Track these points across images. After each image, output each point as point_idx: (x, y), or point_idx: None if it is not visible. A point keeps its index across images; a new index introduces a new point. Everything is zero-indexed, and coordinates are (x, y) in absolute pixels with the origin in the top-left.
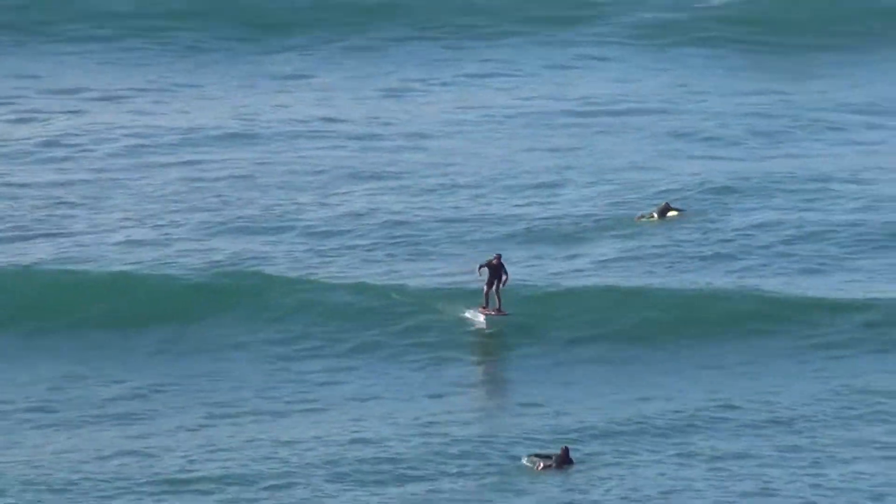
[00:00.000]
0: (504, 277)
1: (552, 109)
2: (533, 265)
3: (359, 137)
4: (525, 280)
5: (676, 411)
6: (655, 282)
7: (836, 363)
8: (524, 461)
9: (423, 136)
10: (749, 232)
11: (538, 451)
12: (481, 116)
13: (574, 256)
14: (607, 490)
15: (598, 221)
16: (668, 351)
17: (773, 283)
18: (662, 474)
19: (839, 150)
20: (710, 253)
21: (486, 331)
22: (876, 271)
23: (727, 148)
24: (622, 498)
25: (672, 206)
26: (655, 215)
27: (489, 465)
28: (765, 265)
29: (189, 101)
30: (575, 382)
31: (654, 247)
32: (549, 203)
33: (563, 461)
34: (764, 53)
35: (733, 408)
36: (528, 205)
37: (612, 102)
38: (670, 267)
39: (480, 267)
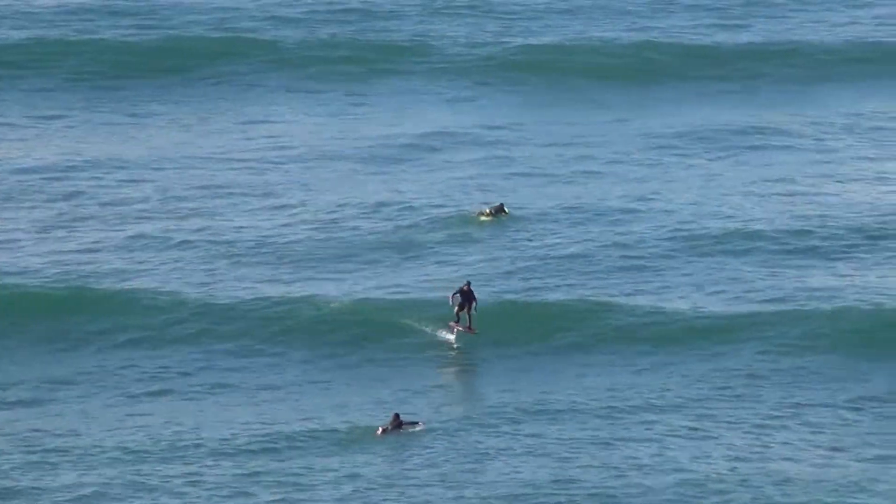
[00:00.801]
0: (473, 302)
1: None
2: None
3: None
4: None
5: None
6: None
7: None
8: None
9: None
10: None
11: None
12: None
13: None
14: (425, 448)
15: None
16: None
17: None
18: (480, 442)
19: (638, 175)
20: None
21: (455, 346)
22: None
23: (534, 176)
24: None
25: (505, 206)
26: (492, 212)
27: (341, 431)
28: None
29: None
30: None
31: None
32: (390, 218)
33: (396, 425)
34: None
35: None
36: (382, 220)
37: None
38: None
39: (453, 295)
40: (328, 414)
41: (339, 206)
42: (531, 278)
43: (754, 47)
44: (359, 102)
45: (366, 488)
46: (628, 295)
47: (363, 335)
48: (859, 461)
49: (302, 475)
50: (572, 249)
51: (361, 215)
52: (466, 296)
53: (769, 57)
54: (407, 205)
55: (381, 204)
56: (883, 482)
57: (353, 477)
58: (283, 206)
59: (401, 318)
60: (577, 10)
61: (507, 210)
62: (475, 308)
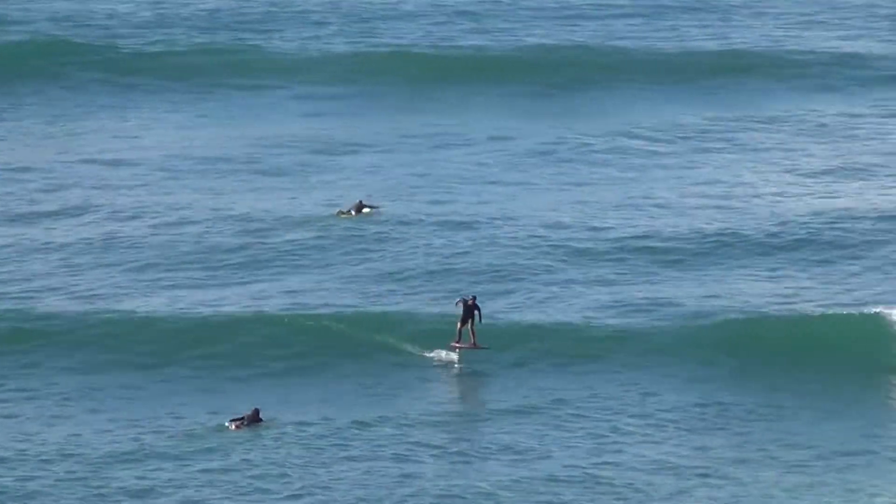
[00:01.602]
0: (478, 316)
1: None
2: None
3: None
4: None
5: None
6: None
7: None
8: (226, 423)
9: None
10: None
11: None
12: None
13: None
14: (276, 440)
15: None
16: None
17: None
18: (322, 437)
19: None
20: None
21: (457, 365)
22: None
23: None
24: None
25: (365, 203)
26: (353, 212)
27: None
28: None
29: None
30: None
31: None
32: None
33: (253, 420)
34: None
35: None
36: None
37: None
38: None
39: (457, 302)
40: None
41: (187, 212)
42: (379, 285)
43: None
44: (210, 109)
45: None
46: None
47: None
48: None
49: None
50: (421, 259)
51: (213, 222)
52: (469, 310)
53: (628, 66)
54: (264, 210)
55: (235, 208)
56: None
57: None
58: (133, 213)
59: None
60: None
61: (367, 208)
62: (479, 322)
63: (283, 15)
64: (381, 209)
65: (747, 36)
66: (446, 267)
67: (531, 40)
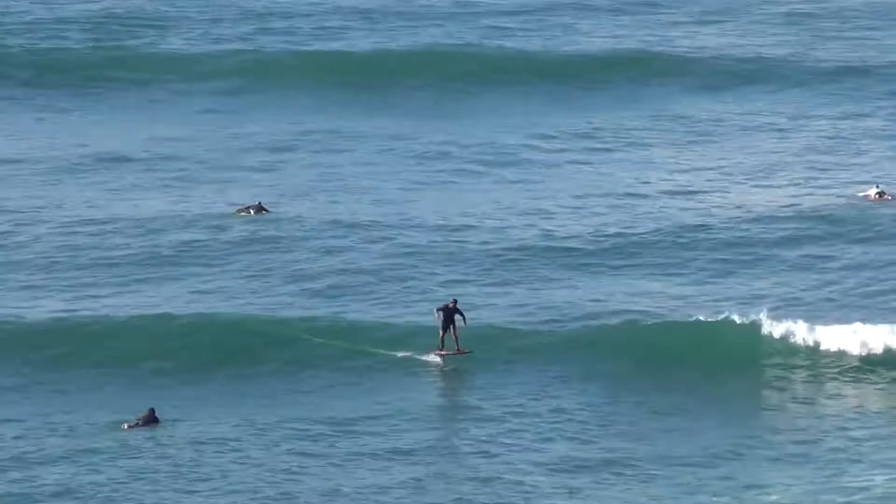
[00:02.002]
0: (461, 320)
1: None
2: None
3: None
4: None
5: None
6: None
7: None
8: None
9: None
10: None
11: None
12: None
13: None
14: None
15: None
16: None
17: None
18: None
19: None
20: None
21: (445, 368)
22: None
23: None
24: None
25: (264, 205)
26: (252, 211)
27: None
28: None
29: None
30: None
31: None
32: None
33: (149, 421)
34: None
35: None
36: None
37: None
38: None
39: (437, 310)
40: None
41: (83, 212)
42: (282, 285)
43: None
44: (104, 108)
45: None
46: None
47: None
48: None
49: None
50: (319, 260)
51: (110, 222)
52: (450, 314)
53: (523, 67)
54: (161, 209)
55: (132, 208)
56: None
57: None
58: (27, 214)
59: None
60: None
61: (266, 209)
62: (464, 324)
63: (178, 13)
64: (275, 210)
65: (641, 35)
66: (342, 267)
67: (428, 40)
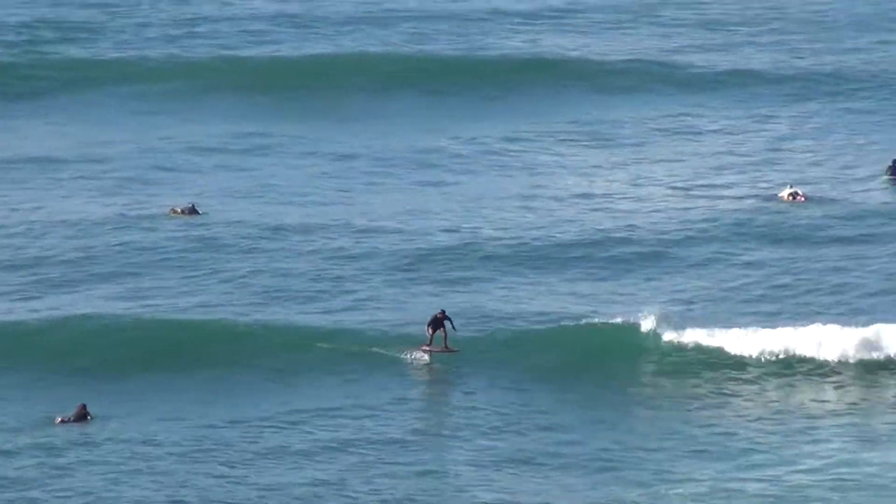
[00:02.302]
0: (450, 326)
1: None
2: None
3: None
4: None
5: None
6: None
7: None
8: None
9: None
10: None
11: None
12: None
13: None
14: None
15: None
16: None
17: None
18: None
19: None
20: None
21: (431, 364)
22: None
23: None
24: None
25: (197, 207)
26: (185, 212)
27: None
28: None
29: None
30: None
31: None
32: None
33: (80, 417)
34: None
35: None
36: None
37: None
38: None
39: (428, 325)
40: None
41: (18, 214)
42: (220, 284)
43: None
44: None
45: None
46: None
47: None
48: None
49: None
50: (249, 262)
51: (44, 225)
52: (439, 323)
53: (439, 72)
54: (95, 211)
55: (65, 210)
56: None
57: None
58: None
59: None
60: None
61: (199, 211)
62: (454, 330)
63: (108, 18)
64: (207, 212)
65: (554, 41)
66: (273, 270)
67: (351, 45)
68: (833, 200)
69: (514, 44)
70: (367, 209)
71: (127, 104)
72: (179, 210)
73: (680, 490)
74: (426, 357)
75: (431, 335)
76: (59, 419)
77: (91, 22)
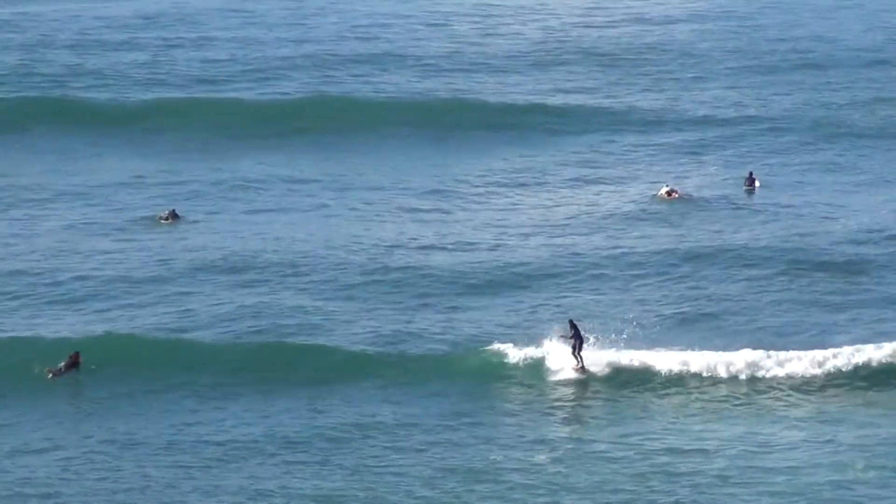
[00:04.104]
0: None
1: None
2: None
3: None
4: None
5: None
6: None
7: None
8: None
9: None
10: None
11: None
12: None
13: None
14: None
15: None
16: None
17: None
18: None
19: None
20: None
21: (581, 378)
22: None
23: None
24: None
25: (177, 211)
26: (168, 217)
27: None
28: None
29: None
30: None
31: None
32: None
33: (71, 366)
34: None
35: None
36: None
37: None
38: None
39: (567, 337)
40: None
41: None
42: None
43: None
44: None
45: None
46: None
47: None
48: None
49: None
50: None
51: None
52: (575, 334)
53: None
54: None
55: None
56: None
57: None
58: None
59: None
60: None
61: (179, 215)
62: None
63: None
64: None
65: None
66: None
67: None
68: (705, 200)
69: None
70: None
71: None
72: (165, 216)
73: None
74: (577, 374)
75: (574, 350)
76: (50, 373)
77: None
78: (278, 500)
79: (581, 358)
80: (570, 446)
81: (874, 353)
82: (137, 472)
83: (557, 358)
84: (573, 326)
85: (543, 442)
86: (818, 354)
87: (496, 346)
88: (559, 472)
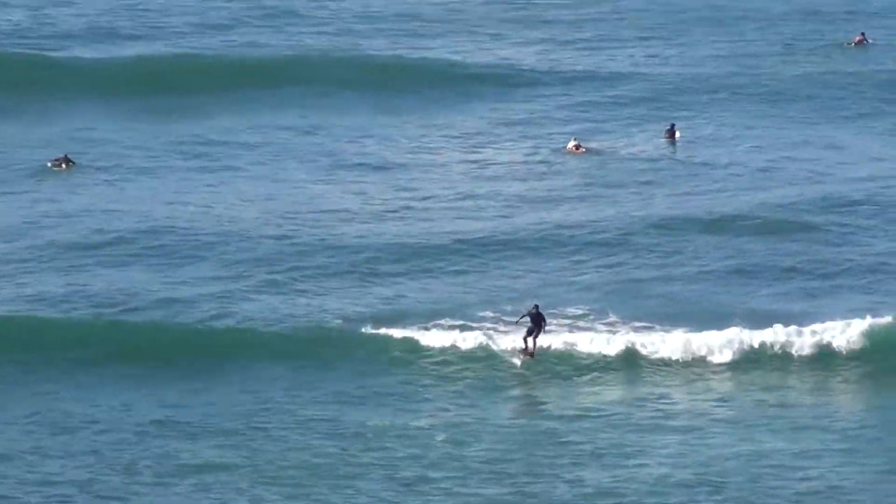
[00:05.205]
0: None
1: None
2: None
3: None
4: None
5: None
6: None
7: None
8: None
9: None
10: None
11: None
12: None
13: None
14: None
15: None
16: None
17: None
18: None
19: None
20: None
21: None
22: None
23: None
24: None
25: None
26: (60, 162)
27: None
28: None
29: None
30: None
31: None
32: None
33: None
34: None
35: None
36: None
37: None
38: None
39: (520, 318)
40: None
41: None
42: None
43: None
44: None
45: None
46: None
47: None
48: None
49: None
50: None
51: None
52: (535, 320)
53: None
54: None
55: None
56: None
57: None
58: None
59: None
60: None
61: (72, 161)
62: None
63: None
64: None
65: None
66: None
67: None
68: (619, 153)
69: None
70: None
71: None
72: (58, 161)
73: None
74: (519, 360)
75: (528, 336)
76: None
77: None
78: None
79: (531, 344)
80: (465, 420)
81: (774, 333)
82: None
83: (467, 336)
84: (535, 313)
85: (436, 416)
86: (733, 334)
87: (396, 324)
88: (449, 442)
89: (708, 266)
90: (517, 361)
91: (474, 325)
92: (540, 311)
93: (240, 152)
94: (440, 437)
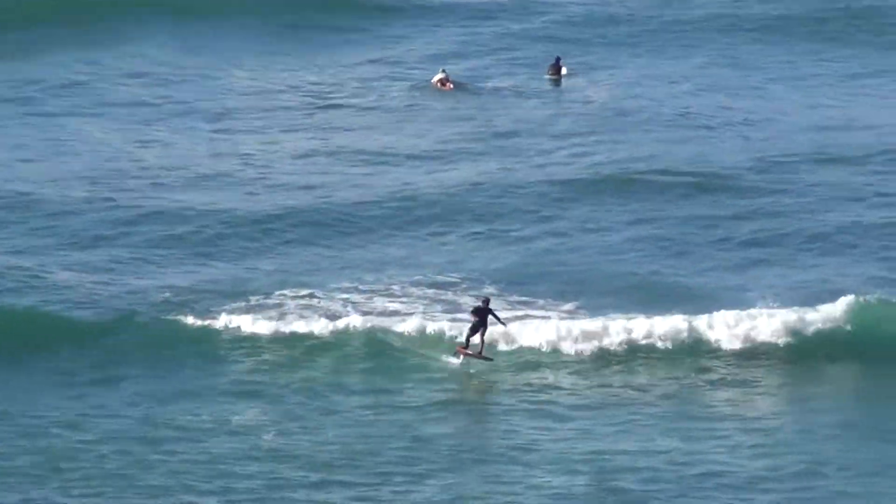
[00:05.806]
0: (496, 322)
1: None
2: None
3: None
4: None
5: None
6: None
7: None
8: None
9: None
10: None
11: None
12: None
13: None
14: None
15: None
16: None
17: None
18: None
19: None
20: None
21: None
22: None
23: None
24: None
25: None
26: None
27: None
28: None
29: None
30: None
31: None
32: None
33: None
34: None
35: None
36: None
37: None
38: None
39: (472, 311)
40: None
41: None
42: None
43: None
44: None
45: None
46: None
47: None
48: None
49: None
50: None
51: None
52: (484, 314)
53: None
54: None
55: None
56: None
57: None
58: None
59: None
60: None
61: None
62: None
63: None
64: None
65: None
66: None
67: None
68: (482, 88)
69: None
70: None
71: None
72: None
73: None
74: (457, 360)
75: (472, 334)
76: None
77: None
78: None
79: (470, 343)
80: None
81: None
82: None
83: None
84: (483, 309)
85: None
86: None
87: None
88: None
89: (609, 236)
90: (455, 361)
91: (316, 304)
92: (490, 305)
93: (56, 96)
94: (268, 435)
